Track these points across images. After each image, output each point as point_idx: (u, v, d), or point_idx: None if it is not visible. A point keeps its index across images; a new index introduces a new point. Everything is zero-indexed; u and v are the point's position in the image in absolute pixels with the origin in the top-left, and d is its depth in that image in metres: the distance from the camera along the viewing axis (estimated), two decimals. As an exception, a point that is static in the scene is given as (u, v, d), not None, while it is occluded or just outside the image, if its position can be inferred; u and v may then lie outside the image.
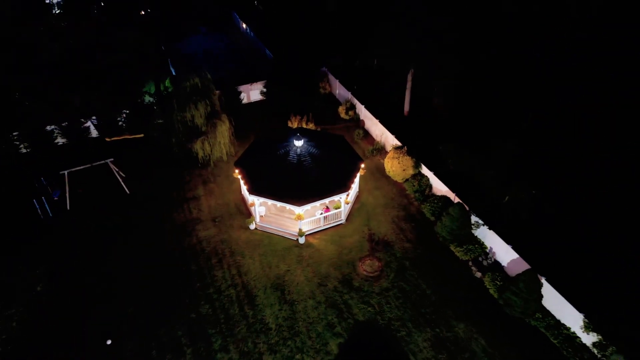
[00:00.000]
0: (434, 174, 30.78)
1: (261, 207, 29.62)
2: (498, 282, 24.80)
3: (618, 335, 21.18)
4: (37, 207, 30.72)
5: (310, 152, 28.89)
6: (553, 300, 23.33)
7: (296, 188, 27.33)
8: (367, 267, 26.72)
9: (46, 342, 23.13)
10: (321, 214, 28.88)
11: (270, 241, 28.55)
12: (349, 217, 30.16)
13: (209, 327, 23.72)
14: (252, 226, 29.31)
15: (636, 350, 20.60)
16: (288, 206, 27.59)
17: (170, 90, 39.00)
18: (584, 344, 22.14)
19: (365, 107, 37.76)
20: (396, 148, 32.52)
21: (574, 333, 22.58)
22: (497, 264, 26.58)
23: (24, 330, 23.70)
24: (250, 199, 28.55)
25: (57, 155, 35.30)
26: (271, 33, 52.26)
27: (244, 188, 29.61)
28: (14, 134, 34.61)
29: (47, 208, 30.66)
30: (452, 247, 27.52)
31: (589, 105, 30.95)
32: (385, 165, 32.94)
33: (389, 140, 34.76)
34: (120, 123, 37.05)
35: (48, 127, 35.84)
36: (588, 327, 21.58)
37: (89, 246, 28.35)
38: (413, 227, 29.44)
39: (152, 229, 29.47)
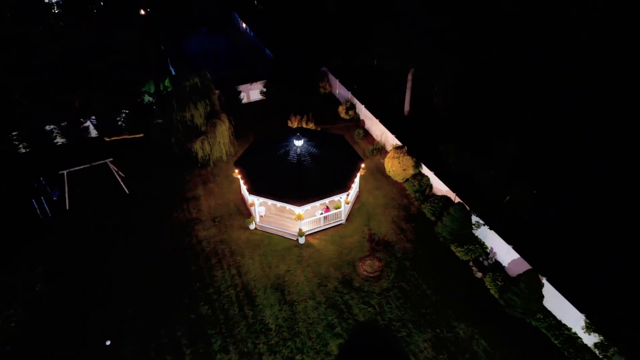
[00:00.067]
0: (435, 173, 30.71)
1: (261, 207, 29.53)
2: (499, 283, 24.72)
3: (619, 335, 21.08)
4: (36, 207, 30.63)
5: (310, 151, 28.81)
6: (554, 301, 23.25)
7: (296, 188, 27.25)
8: (368, 267, 26.63)
9: (45, 343, 23.03)
10: (321, 214, 28.79)
11: (270, 241, 28.46)
12: (349, 217, 30.08)
13: (208, 328, 23.63)
14: (252, 226, 29.22)
15: (638, 351, 20.50)
16: (288, 206, 27.50)
17: (170, 90, 38.94)
18: (586, 345, 22.06)
19: (366, 106, 37.69)
20: (396, 148, 32.44)
21: (575, 333, 22.50)
22: (497, 264, 26.49)
23: (23, 331, 23.60)
24: (250, 199, 28.46)
25: (57, 155, 35.20)
26: (271, 33, 52.20)
27: (243, 188, 29.53)
28: (13, 133, 34.52)
29: (46, 208, 30.57)
30: (452, 247, 27.44)
31: (589, 105, 30.88)
32: (386, 165, 32.86)
33: (389, 140, 34.68)
34: (119, 123, 36.98)
35: (47, 127, 35.74)
36: (589, 328, 21.50)
37: (88, 246, 28.26)
38: (413, 227, 29.35)
39: (152, 229, 29.39)
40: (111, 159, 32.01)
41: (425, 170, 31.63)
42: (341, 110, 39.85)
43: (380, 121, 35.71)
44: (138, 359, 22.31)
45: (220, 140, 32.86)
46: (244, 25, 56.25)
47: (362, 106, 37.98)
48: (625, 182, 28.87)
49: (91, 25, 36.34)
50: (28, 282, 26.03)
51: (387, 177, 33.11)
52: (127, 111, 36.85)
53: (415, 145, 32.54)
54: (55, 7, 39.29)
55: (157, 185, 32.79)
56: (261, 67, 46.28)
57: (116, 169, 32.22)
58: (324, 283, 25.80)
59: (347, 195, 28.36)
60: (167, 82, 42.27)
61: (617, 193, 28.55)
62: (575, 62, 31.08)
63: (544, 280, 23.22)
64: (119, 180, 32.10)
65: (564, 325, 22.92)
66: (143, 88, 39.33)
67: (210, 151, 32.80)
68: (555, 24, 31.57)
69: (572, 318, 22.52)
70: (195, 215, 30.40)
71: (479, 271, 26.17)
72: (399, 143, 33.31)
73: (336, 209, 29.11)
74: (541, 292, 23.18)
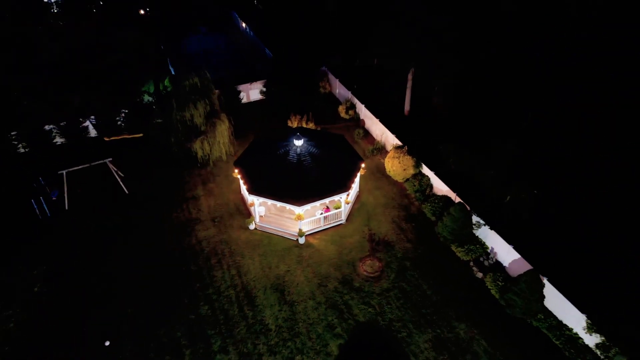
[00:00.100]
0: (435, 173, 30.63)
1: (261, 207, 29.45)
2: (499, 283, 24.63)
3: (621, 336, 20.99)
4: (35, 207, 30.53)
5: (310, 151, 28.72)
6: (555, 301, 23.17)
7: (296, 188, 27.16)
8: (368, 267, 26.55)
9: (44, 343, 22.93)
10: (321, 214, 28.70)
11: (270, 241, 28.37)
12: (349, 217, 29.99)
13: (208, 328, 23.55)
14: (252, 226, 29.13)
15: None
16: (288, 206, 27.41)
17: (169, 89, 38.85)
18: (587, 345, 21.97)
19: (366, 106, 37.60)
20: (397, 148, 32.35)
21: (576, 334, 22.42)
22: (498, 264, 26.42)
23: (22, 331, 23.50)
24: (250, 198, 28.37)
25: (56, 155, 35.09)
26: (271, 32, 52.11)
27: (243, 188, 29.44)
28: (12, 133, 34.44)
29: (45, 208, 30.47)
30: (453, 248, 27.36)
31: (589, 105, 30.83)
32: (386, 164, 32.78)
33: (390, 139, 34.59)
34: (119, 122, 36.89)
35: (46, 127, 35.65)
36: (591, 328, 21.41)
37: (87, 246, 28.17)
38: (414, 227, 29.27)
39: (151, 229, 29.30)
40: (110, 159, 31.92)
41: (425, 170, 31.55)
42: (341, 109, 39.76)
43: (381, 121, 35.63)
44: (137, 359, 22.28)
45: (220, 140, 32.76)
46: (243, 24, 56.17)
47: (362, 106, 37.90)
48: (626, 182, 28.79)
49: (90, 24, 36.23)
50: (27, 282, 25.93)
51: (388, 177, 33.02)
52: (126, 111, 36.75)
53: (415, 145, 32.46)
54: (55, 6, 39.19)
55: (157, 185, 32.69)
56: (261, 67, 46.21)
57: (115, 169, 32.13)
58: (324, 283, 25.72)
59: (347, 195, 28.28)
60: (166, 82, 42.19)
61: (618, 192, 28.48)
62: (575, 62, 31.03)
63: (545, 281, 23.15)
64: (119, 180, 32.01)
65: (565, 325, 22.84)
66: (142, 88, 39.24)
67: (210, 151, 32.71)
68: (555, 24, 31.50)
69: (573, 318, 22.44)
70: (195, 215, 30.30)
71: (480, 271, 26.09)
72: (399, 143, 33.22)
73: (336, 209, 29.03)
74: (542, 292, 23.12)
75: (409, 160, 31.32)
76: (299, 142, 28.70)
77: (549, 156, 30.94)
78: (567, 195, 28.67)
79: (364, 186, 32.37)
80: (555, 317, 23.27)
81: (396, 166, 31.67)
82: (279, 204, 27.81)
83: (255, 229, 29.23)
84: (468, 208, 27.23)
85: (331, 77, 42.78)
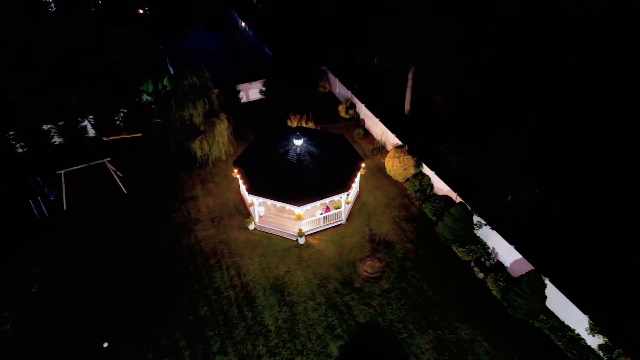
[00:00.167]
0: (435, 173, 30.48)
1: (260, 207, 29.26)
2: (501, 283, 24.47)
3: (624, 337, 20.82)
4: (33, 207, 30.31)
5: (310, 151, 28.53)
6: (557, 302, 23.01)
7: (296, 188, 26.98)
8: (368, 267, 26.37)
9: (41, 345, 22.73)
10: (321, 214, 28.52)
11: (269, 242, 28.18)
12: (350, 217, 29.81)
13: (207, 329, 23.36)
14: (251, 226, 28.95)
15: (642, 353, 20.28)
16: (288, 206, 27.23)
17: (168, 89, 38.64)
18: (589, 346, 21.80)
19: (366, 106, 37.43)
20: (397, 147, 32.17)
21: (578, 335, 22.25)
22: (499, 264, 26.26)
23: (19, 333, 23.29)
24: (249, 198, 28.18)
25: (54, 154, 34.88)
26: (270, 31, 51.92)
27: (242, 188, 29.25)
28: (10, 133, 34.23)
29: (43, 208, 30.24)
30: (454, 248, 27.19)
31: (589, 105, 30.72)
32: (386, 164, 32.61)
33: (390, 139, 34.42)
34: (117, 122, 36.68)
35: (44, 127, 35.45)
36: (593, 329, 21.24)
37: (85, 247, 27.96)
38: (414, 227, 29.09)
39: (150, 229, 29.10)
40: (109, 159, 31.72)
41: (426, 169, 31.39)
42: (341, 109, 39.58)
43: (381, 120, 35.46)
44: (136, 361, 22.08)
45: (219, 140, 32.58)
46: (242, 23, 55.97)
47: (362, 105, 37.72)
48: (628, 181, 28.63)
49: (89, 24, 36.04)
50: (23, 284, 25.70)
51: (388, 177, 32.85)
52: (125, 110, 36.55)
53: (415, 145, 32.29)
54: (53, 5, 38.99)
55: (156, 185, 32.49)
56: (260, 66, 46.00)
57: (114, 169, 31.93)
58: (324, 284, 25.53)
59: (347, 195, 28.10)
60: (165, 81, 41.98)
61: (620, 192, 28.32)
62: (575, 62, 30.92)
63: (547, 281, 22.98)
64: (117, 180, 31.81)
65: (567, 326, 22.68)
66: (141, 87, 39.05)
67: (209, 151, 32.53)
68: (555, 24, 31.39)
69: (575, 319, 22.28)
70: (194, 215, 30.11)
71: (481, 272, 25.92)
72: (400, 142, 33.06)
73: (336, 209, 28.85)
74: (544, 292, 22.94)
75: (409, 160, 31.16)
76: (298, 142, 28.51)
77: (550, 156, 30.79)
78: (568, 195, 28.50)
79: (364, 186, 32.19)
80: (557, 318, 23.10)
81: (396, 166, 31.50)
82: (278, 204, 27.63)
83: (255, 229, 29.04)
84: (469, 208, 27.06)
85: (331, 76, 42.60)
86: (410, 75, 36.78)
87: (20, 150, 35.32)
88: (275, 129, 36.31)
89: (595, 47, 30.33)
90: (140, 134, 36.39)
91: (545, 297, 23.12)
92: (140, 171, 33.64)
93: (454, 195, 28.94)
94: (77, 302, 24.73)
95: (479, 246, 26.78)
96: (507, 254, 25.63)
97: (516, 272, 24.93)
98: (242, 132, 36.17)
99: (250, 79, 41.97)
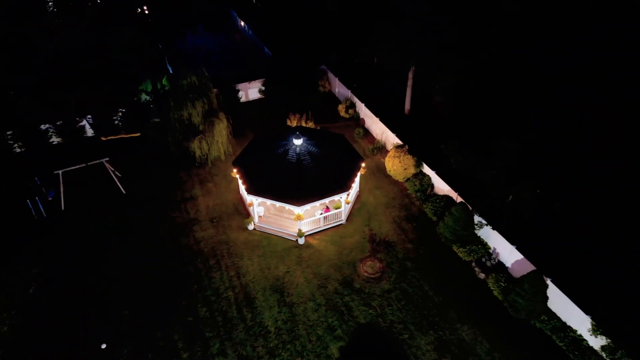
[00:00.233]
0: (436, 173, 30.32)
1: (260, 207, 29.08)
2: (502, 284, 24.32)
3: (627, 338, 20.66)
4: (31, 207, 30.11)
5: (309, 151, 28.36)
6: (559, 302, 22.85)
7: (295, 188, 26.81)
8: (368, 268, 26.20)
9: (40, 345, 22.54)
10: (321, 214, 28.36)
11: (269, 242, 28.01)
12: (350, 217, 29.64)
13: (206, 331, 23.17)
14: (251, 227, 28.77)
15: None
16: (287, 206, 27.06)
17: (167, 88, 38.49)
18: (592, 347, 21.64)
19: (366, 105, 37.27)
20: (397, 147, 32.01)
21: (580, 336, 22.09)
22: (500, 265, 26.10)
23: (17, 334, 23.10)
24: (249, 198, 28.01)
25: (52, 154, 34.68)
26: (270, 31, 51.77)
27: (242, 188, 29.08)
28: (8, 133, 34.06)
29: (41, 208, 30.04)
30: (454, 248, 27.03)
31: (589, 105, 30.64)
32: (386, 164, 32.45)
33: (390, 139, 34.26)
34: (116, 122, 36.52)
35: (43, 126, 35.27)
36: (596, 330, 21.08)
37: (84, 247, 27.78)
38: (415, 227, 28.93)
39: (149, 229, 28.91)
40: (107, 159, 31.52)
41: (426, 169, 31.24)
42: (341, 108, 39.43)
43: (381, 120, 35.31)
44: (134, 363, 21.89)
45: (219, 140, 32.40)
46: (242, 23, 55.81)
47: (362, 105, 37.56)
48: (628, 181, 28.50)
49: (88, 23, 35.88)
50: (21, 285, 25.51)
51: (388, 177, 32.69)
52: (123, 110, 36.39)
53: (416, 144, 32.14)
54: (52, 5, 38.82)
55: (155, 185, 32.31)
56: (260, 66, 45.83)
57: (112, 169, 31.74)
58: (324, 284, 25.36)
59: (348, 195, 27.94)
60: (164, 81, 41.80)
61: (621, 192, 28.18)
62: (575, 62, 30.86)
63: (549, 281, 22.82)
64: (116, 180, 31.61)
65: (569, 327, 22.51)
66: (140, 87, 38.87)
67: (208, 150, 32.36)
68: (555, 24, 31.32)
69: (577, 320, 22.12)
70: (193, 215, 29.93)
71: (482, 272, 25.76)
72: (400, 142, 32.90)
73: (336, 209, 28.68)
74: (545, 293, 22.78)
75: (409, 160, 31.00)
76: (298, 142, 28.34)
77: (550, 156, 30.67)
78: (569, 194, 28.36)
79: (364, 186, 32.02)
80: (559, 319, 22.94)
81: (397, 165, 31.34)
82: (278, 204, 27.46)
83: (254, 229, 28.87)
84: (470, 208, 26.91)
85: (331, 75, 42.44)
86: (410, 75, 36.65)
87: (18, 150, 35.13)
88: (275, 128, 36.13)
89: (595, 47, 30.27)
90: (139, 134, 36.24)
91: (546, 298, 22.95)
92: (139, 171, 33.46)
93: (454, 195, 28.79)
94: (76, 303, 24.55)
95: (479, 246, 26.62)
96: (508, 254, 25.48)
97: (517, 273, 24.78)
98: (242, 131, 35.99)
99: (250, 78, 41.82)
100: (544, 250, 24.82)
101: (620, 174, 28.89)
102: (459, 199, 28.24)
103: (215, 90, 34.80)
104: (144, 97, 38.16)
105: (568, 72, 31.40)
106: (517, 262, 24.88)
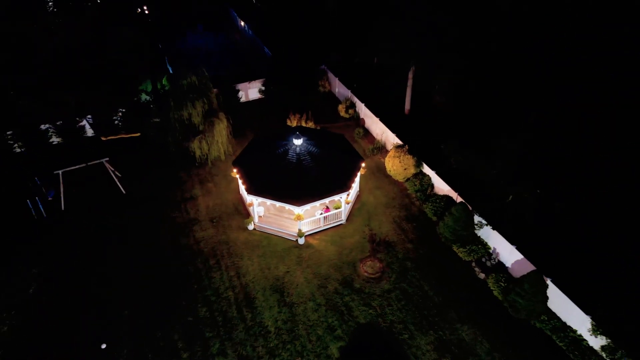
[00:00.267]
0: (436, 173, 30.31)
1: (260, 207, 29.07)
2: (502, 284, 24.31)
3: (627, 338, 20.65)
4: (31, 207, 30.10)
5: (309, 151, 28.35)
6: (559, 302, 22.85)
7: (295, 188, 26.79)
8: (368, 268, 26.19)
9: (40, 345, 22.53)
10: (321, 214, 28.35)
11: (269, 242, 28.00)
12: (350, 217, 29.63)
13: (206, 331, 23.17)
14: (251, 227, 28.76)
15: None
16: (287, 206, 27.05)
17: (167, 88, 38.47)
18: (592, 347, 21.64)
19: (366, 105, 37.25)
20: (397, 147, 32.00)
21: (580, 336, 22.09)
22: (500, 265, 26.09)
23: (17, 334, 23.09)
24: (249, 198, 28.00)
25: (52, 154, 34.66)
26: (270, 31, 51.75)
27: (242, 188, 29.07)
28: (8, 133, 34.04)
29: (41, 208, 30.03)
30: (454, 248, 27.02)
31: (589, 105, 30.60)
32: (386, 164, 32.44)
33: (390, 139, 34.25)
34: (116, 122, 36.49)
35: (42, 126, 35.25)
36: (596, 330, 21.07)
37: (84, 247, 27.76)
38: (415, 227, 28.92)
39: (149, 229, 28.90)
40: (107, 159, 31.51)
41: (426, 169, 31.23)
42: (341, 108, 39.42)
43: (381, 120, 35.29)
44: (134, 363, 21.88)
45: (218, 140, 32.39)
46: (242, 23, 55.80)
47: (362, 105, 37.55)
48: (628, 181, 28.48)
49: (88, 23, 35.86)
50: (20, 285, 25.50)
51: (388, 177, 32.68)
52: (123, 110, 36.37)
53: (416, 144, 32.13)
54: (52, 5, 38.80)
55: (155, 185, 32.30)
56: (260, 66, 45.81)
57: (112, 169, 31.73)
58: (324, 284, 25.36)
59: (348, 195, 27.92)
60: (164, 81, 41.79)
61: (621, 192, 28.16)
62: (575, 62, 30.83)
63: (549, 282, 22.82)
64: (116, 180, 31.60)
65: (569, 327, 22.51)
66: (140, 87, 38.85)
67: (208, 150, 32.35)
68: (555, 24, 31.30)
69: (577, 320, 22.11)
70: (193, 215, 29.92)
71: (482, 272, 25.76)
72: (400, 142, 32.89)
73: (336, 209, 28.67)
74: (545, 293, 22.78)
75: (409, 160, 30.99)
76: (298, 142, 28.33)
77: (551, 156, 30.65)
78: (570, 195, 28.34)
79: (364, 186, 32.02)
80: (559, 319, 22.94)
81: (397, 165, 31.33)
82: (278, 204, 27.45)
83: (254, 229, 28.86)
84: (470, 208, 26.90)
85: (330, 75, 42.43)
86: (410, 75, 36.64)
87: (18, 150, 35.11)
88: (275, 128, 36.11)
89: (595, 47, 30.23)
90: (138, 134, 36.21)
91: (546, 298, 22.95)
92: (139, 171, 33.45)
93: (454, 195, 28.78)
94: (76, 303, 24.54)
95: (480, 246, 26.62)
96: (508, 254, 25.47)
97: (517, 273, 24.78)
98: (242, 131, 35.98)
99: (250, 78, 41.81)
100: (544, 250, 24.83)
101: (620, 174, 28.86)
102: (459, 199, 28.23)
103: (215, 90, 34.78)
104: (144, 97, 38.14)
105: (568, 72, 31.36)
106: (517, 262, 24.88)
